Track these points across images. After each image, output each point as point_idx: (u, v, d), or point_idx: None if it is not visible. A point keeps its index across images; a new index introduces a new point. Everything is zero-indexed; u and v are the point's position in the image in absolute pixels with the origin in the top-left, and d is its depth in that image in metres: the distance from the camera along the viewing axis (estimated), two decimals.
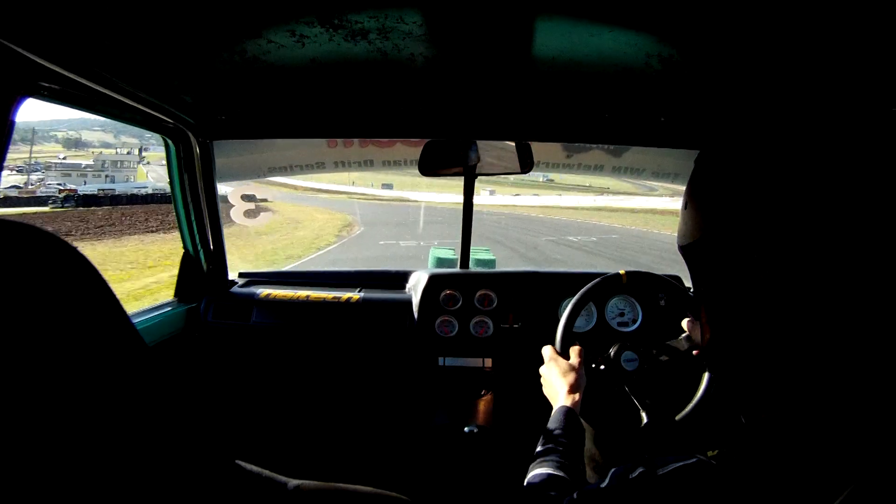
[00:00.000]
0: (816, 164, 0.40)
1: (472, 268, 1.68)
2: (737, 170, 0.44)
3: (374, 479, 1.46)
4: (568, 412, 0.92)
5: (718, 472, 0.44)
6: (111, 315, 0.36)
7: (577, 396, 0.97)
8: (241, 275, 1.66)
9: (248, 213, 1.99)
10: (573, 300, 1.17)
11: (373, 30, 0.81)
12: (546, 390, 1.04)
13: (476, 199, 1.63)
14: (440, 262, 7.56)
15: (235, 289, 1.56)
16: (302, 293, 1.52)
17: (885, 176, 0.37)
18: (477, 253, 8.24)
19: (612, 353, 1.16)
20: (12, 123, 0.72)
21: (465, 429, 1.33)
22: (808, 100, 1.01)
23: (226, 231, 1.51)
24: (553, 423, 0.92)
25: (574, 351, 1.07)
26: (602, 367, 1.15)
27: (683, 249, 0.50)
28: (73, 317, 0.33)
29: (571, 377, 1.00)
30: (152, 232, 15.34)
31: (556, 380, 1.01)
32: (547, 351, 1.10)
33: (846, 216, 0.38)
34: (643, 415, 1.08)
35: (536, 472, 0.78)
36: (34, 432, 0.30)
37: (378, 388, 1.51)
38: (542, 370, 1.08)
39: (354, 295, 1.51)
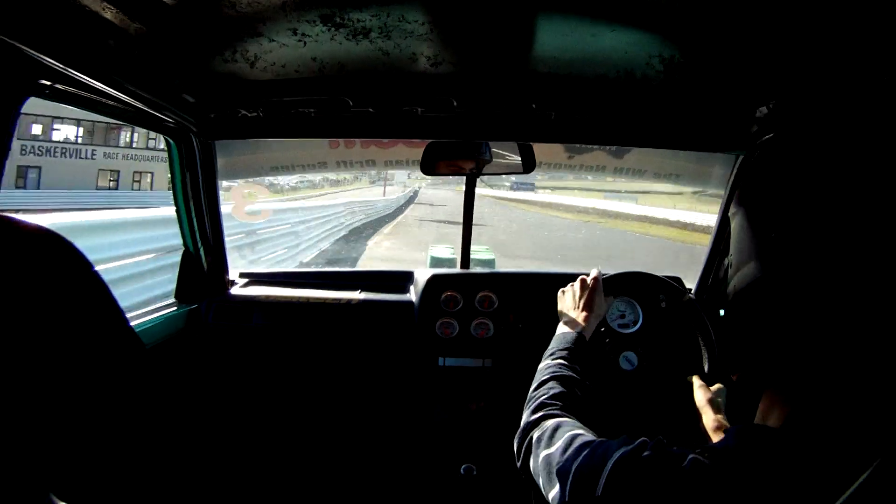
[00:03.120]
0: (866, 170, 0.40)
1: (472, 268, 1.67)
2: (787, 180, 0.45)
3: (375, 480, 1.46)
4: (577, 338, 0.89)
5: (713, 469, 0.45)
6: (108, 316, 0.35)
7: (587, 314, 0.95)
8: (241, 275, 1.66)
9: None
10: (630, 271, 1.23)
11: (374, 29, 0.81)
12: (559, 306, 1.04)
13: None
14: (437, 261, 7.51)
15: (236, 289, 1.56)
16: (303, 294, 1.52)
17: None
18: (476, 253, 8.19)
19: (609, 350, 1.19)
20: (15, 122, 0.72)
21: (462, 468, 1.34)
22: (808, 100, 1.00)
23: None
24: (557, 343, 0.87)
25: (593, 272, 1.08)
26: (602, 329, 1.20)
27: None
28: (69, 317, 0.33)
29: (587, 296, 1.00)
30: None
31: (573, 297, 1.01)
32: None
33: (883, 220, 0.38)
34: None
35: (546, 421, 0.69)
36: (29, 430, 0.30)
37: (379, 389, 1.50)
38: (561, 290, 1.07)
39: (355, 296, 1.50)
